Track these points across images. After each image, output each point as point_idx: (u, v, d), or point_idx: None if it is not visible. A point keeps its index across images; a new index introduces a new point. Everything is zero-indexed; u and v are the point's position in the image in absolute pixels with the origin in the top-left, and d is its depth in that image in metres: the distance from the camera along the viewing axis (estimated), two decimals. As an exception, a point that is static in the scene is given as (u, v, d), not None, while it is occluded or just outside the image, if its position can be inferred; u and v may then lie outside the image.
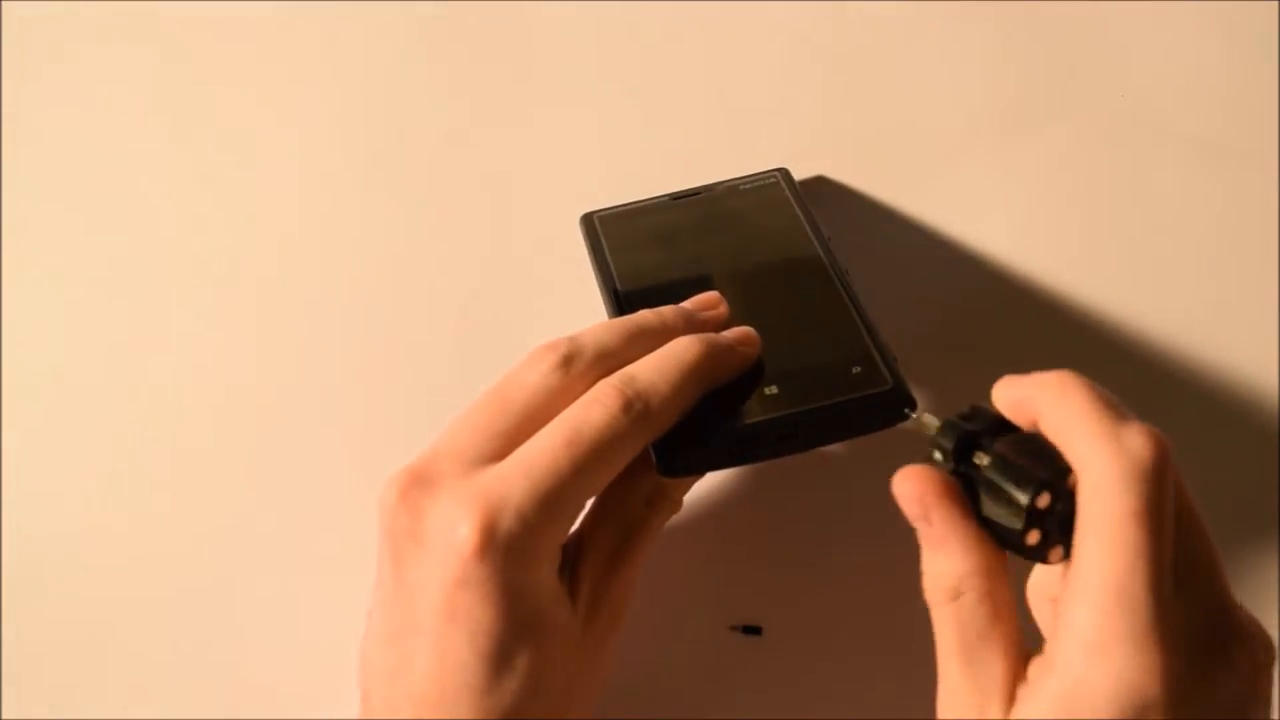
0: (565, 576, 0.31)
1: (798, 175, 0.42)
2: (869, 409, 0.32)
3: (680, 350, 0.32)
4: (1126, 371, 0.41)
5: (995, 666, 0.27)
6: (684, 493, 0.35)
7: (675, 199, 0.41)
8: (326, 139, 0.46)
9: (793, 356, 0.34)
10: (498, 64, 0.47)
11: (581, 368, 0.31)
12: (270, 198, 0.45)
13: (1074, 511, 0.27)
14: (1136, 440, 0.26)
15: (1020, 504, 0.27)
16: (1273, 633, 0.36)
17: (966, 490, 0.28)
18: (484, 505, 0.28)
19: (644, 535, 0.33)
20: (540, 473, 0.29)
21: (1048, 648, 0.26)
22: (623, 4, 0.48)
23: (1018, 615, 0.28)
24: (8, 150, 0.46)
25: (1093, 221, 0.44)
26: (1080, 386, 0.28)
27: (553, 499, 0.29)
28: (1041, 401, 0.28)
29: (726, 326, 0.34)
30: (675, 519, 0.38)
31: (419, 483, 0.30)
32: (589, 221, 0.41)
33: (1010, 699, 0.26)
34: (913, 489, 0.28)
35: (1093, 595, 0.25)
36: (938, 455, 0.28)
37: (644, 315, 0.34)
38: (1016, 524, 0.27)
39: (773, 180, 0.41)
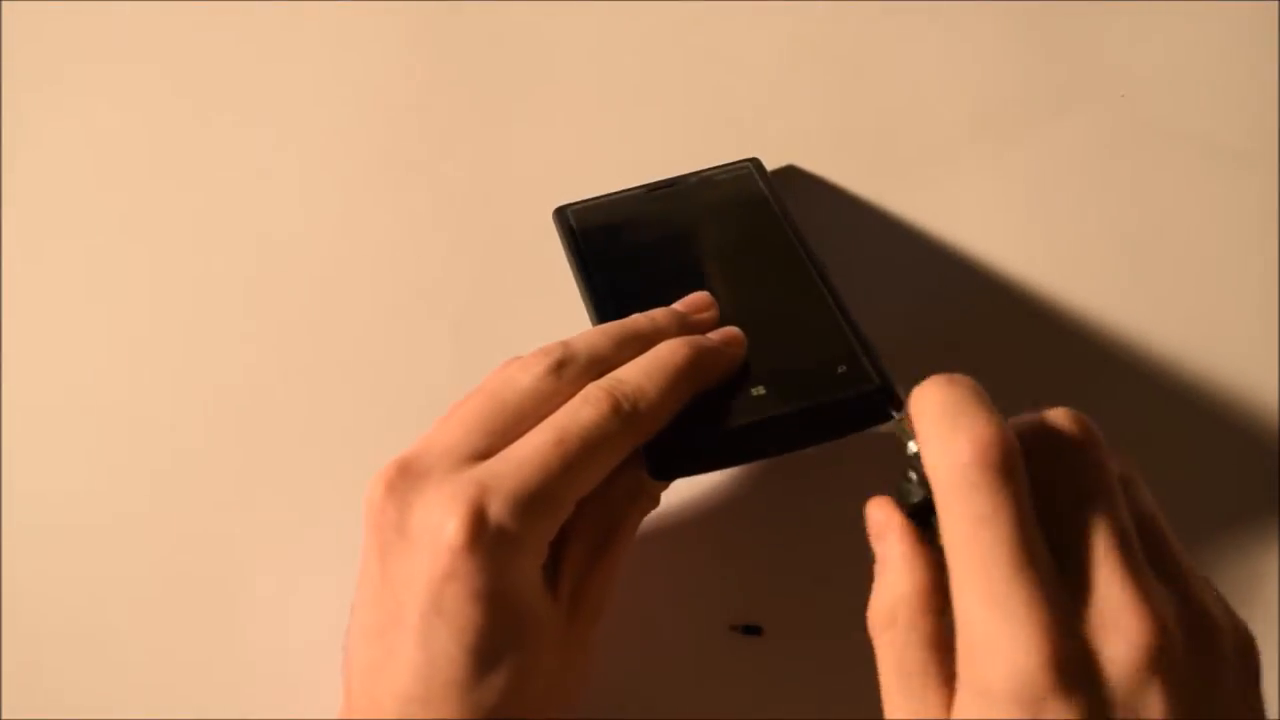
0: (548, 572, 0.31)
1: (775, 166, 0.42)
2: (856, 408, 0.32)
3: (668, 353, 0.32)
4: (1123, 372, 0.41)
5: (930, 694, 0.27)
6: (662, 489, 0.35)
7: (649, 190, 0.41)
8: (322, 140, 0.46)
9: (778, 356, 0.34)
10: (495, 64, 0.47)
11: (574, 372, 0.32)
12: (267, 197, 0.45)
13: None
14: (956, 448, 0.26)
15: None
16: (1273, 633, 0.37)
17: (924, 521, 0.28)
18: (471, 500, 0.29)
19: (624, 531, 0.33)
20: (529, 470, 0.29)
21: None
22: (618, 4, 0.48)
23: (954, 644, 0.27)
24: (7, 150, 0.46)
25: (1091, 221, 0.44)
26: (926, 393, 0.28)
27: (541, 496, 0.29)
28: (913, 402, 0.28)
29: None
30: (676, 519, 0.38)
31: (406, 476, 0.30)
32: (562, 215, 0.40)
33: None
34: (876, 514, 0.29)
35: (962, 602, 0.25)
36: (912, 475, 0.28)
37: (636, 320, 0.34)
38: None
39: (745, 171, 0.41)
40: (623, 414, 0.31)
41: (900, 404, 0.32)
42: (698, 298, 0.36)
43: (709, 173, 0.42)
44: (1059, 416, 0.27)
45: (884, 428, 0.32)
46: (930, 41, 0.47)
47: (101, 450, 0.41)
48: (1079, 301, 0.42)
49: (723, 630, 0.38)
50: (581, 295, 0.37)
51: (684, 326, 0.34)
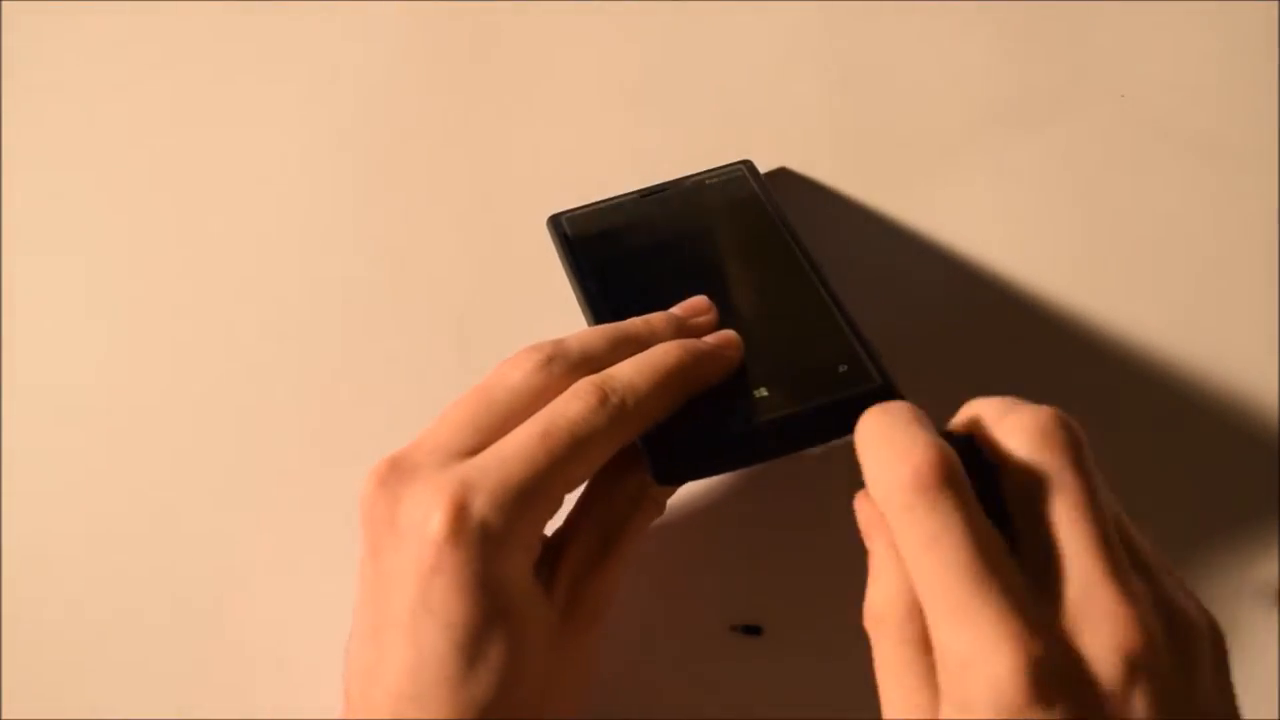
0: (544, 572, 0.31)
1: (767, 168, 0.42)
2: (859, 407, 0.32)
3: (661, 353, 0.32)
4: (1123, 372, 0.41)
5: (921, 693, 0.26)
6: (668, 495, 0.35)
7: (643, 196, 0.41)
8: (322, 142, 0.46)
9: (779, 357, 0.34)
10: (494, 64, 0.47)
11: (564, 368, 0.32)
12: (267, 198, 0.45)
13: None
14: (893, 473, 0.26)
15: None
16: (1274, 634, 0.37)
17: None
18: (456, 494, 0.29)
19: (626, 536, 0.33)
20: (514, 463, 0.29)
21: None
22: (616, 5, 0.48)
23: None
24: (7, 150, 0.46)
25: (1090, 221, 0.44)
26: (863, 424, 0.28)
27: (526, 490, 0.29)
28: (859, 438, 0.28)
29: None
30: (675, 519, 0.38)
31: (396, 473, 0.30)
32: (557, 223, 0.40)
33: None
34: (865, 513, 0.29)
35: (931, 620, 0.25)
36: None
37: (632, 322, 0.34)
38: None
39: (738, 173, 0.41)
40: (610, 408, 0.31)
41: (903, 400, 0.32)
42: (695, 302, 0.36)
43: (701, 176, 0.42)
44: (1037, 416, 0.27)
45: None
46: (928, 41, 0.48)
47: (102, 450, 0.41)
48: (1078, 302, 0.42)
49: (723, 630, 0.38)
50: (579, 303, 0.38)
51: (680, 330, 0.34)
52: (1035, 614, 0.25)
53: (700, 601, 0.38)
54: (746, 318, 0.35)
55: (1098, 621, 0.24)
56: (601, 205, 0.41)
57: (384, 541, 0.30)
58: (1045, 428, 0.27)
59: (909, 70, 0.47)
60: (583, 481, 0.31)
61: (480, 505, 0.29)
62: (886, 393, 0.32)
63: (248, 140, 0.46)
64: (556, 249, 0.40)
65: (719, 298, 0.36)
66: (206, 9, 0.48)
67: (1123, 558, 0.26)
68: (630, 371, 0.32)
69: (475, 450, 0.30)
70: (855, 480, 0.30)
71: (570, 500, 0.33)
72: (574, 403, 0.31)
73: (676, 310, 0.36)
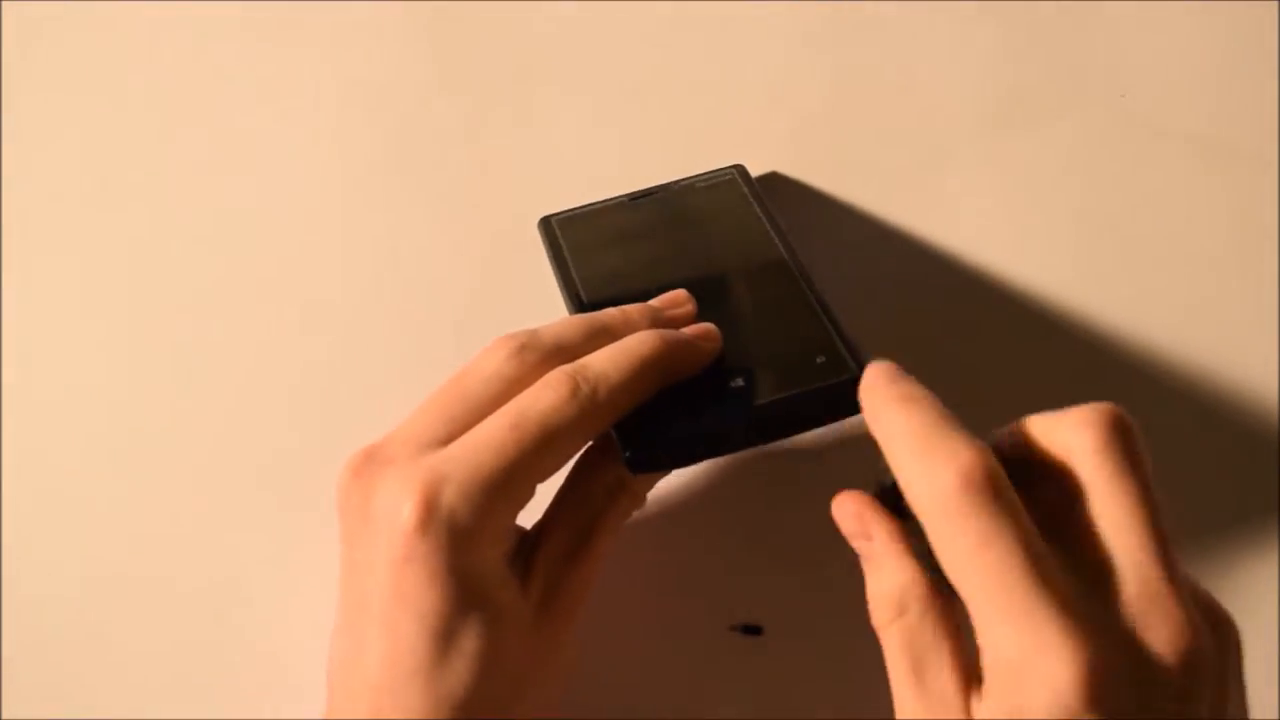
0: (519, 563, 0.31)
1: (759, 172, 0.42)
2: (835, 398, 0.32)
3: (635, 343, 0.32)
4: (1122, 373, 0.41)
5: (946, 681, 0.26)
6: (648, 487, 0.35)
7: (633, 199, 0.41)
8: (321, 143, 0.46)
9: (757, 349, 0.34)
10: (494, 66, 0.47)
11: (537, 357, 0.32)
12: (264, 199, 0.45)
13: None
14: (940, 478, 0.26)
15: None
16: (1274, 634, 0.37)
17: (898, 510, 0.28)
18: (426, 484, 0.29)
19: (604, 528, 0.33)
20: (484, 454, 0.29)
21: None
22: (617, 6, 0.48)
23: (963, 633, 0.27)
24: (7, 149, 0.46)
25: (1090, 221, 0.44)
26: (887, 416, 0.28)
27: (496, 479, 0.29)
28: (872, 422, 0.28)
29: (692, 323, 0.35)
30: (675, 518, 0.38)
31: (370, 463, 0.30)
32: (547, 225, 0.40)
33: (965, 711, 0.26)
34: (851, 506, 0.29)
35: (982, 623, 0.25)
36: (886, 473, 0.28)
37: (608, 312, 0.34)
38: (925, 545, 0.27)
39: (729, 177, 0.41)
40: (581, 397, 0.30)
41: None
42: (674, 294, 0.36)
43: (692, 180, 0.42)
44: (1099, 412, 0.27)
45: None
46: (925, 43, 0.47)
47: (101, 450, 0.41)
48: (1076, 303, 0.42)
49: (723, 630, 0.38)
50: (565, 305, 0.37)
51: (657, 321, 0.34)
52: (1090, 615, 0.24)
53: (700, 601, 0.38)
54: (727, 312, 0.35)
55: (1158, 623, 0.24)
56: (592, 208, 0.41)
57: (358, 532, 0.30)
58: (1109, 423, 0.27)
59: (904, 72, 0.47)
60: (554, 471, 0.31)
61: (449, 495, 0.29)
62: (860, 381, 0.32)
63: (245, 140, 0.46)
64: (546, 251, 0.40)
65: (701, 291, 0.36)
66: (206, 9, 0.48)
67: (1177, 559, 0.26)
68: (604, 361, 0.31)
69: (448, 440, 0.30)
70: (856, 481, 0.30)
71: (549, 492, 0.33)
72: (545, 392, 0.30)
73: (655, 302, 0.35)
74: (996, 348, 0.42)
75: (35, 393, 0.42)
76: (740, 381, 0.33)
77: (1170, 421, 0.41)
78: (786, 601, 0.38)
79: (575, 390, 0.30)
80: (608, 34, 0.48)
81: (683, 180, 0.42)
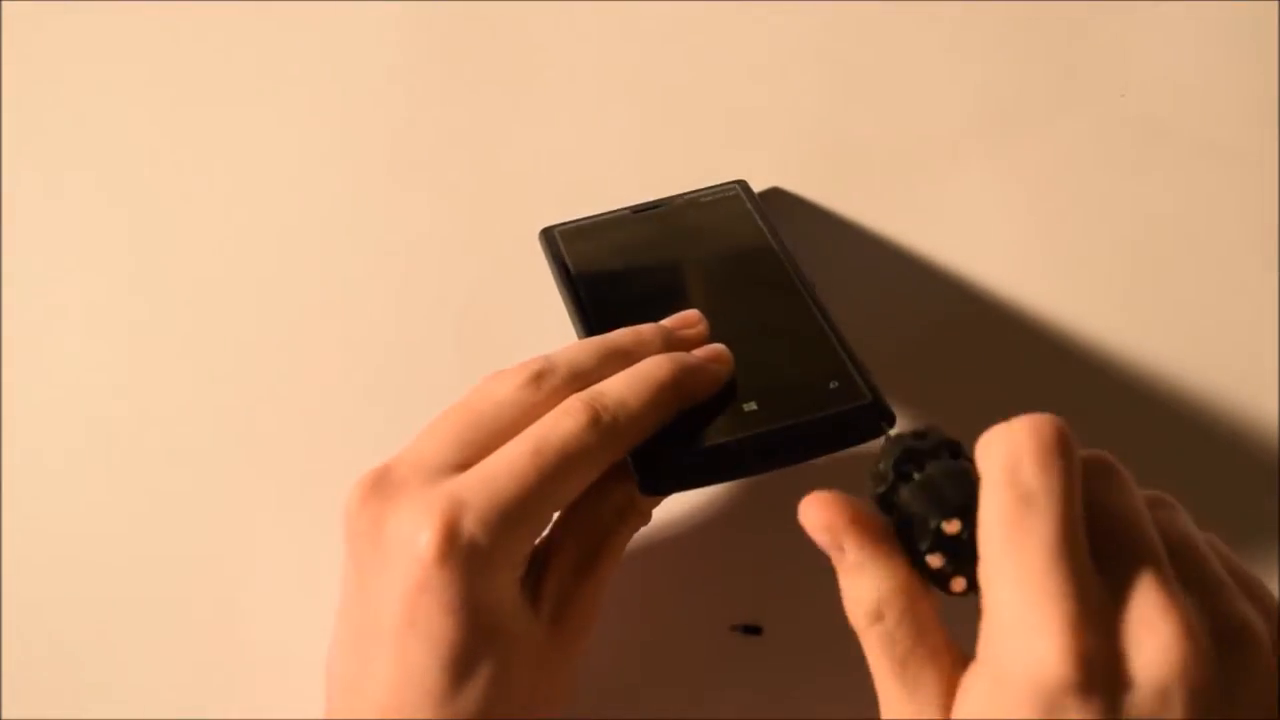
0: (529, 585, 0.31)
1: (768, 185, 0.42)
2: (848, 424, 0.32)
3: (651, 368, 0.32)
4: (1122, 374, 0.41)
5: (929, 681, 0.26)
6: (653, 505, 0.35)
7: (635, 211, 0.41)
8: (322, 144, 0.46)
9: (769, 372, 0.34)
10: (495, 67, 0.47)
11: (554, 384, 0.31)
12: (264, 201, 0.45)
13: None
14: (1012, 430, 0.26)
15: (928, 526, 0.26)
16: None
17: (889, 509, 0.28)
18: (445, 512, 0.28)
19: (611, 547, 0.33)
20: (504, 482, 0.29)
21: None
22: (628, 4, 0.48)
23: (944, 626, 0.27)
24: (7, 148, 0.46)
25: (1090, 223, 0.44)
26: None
27: (516, 508, 0.29)
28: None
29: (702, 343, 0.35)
30: (675, 520, 0.38)
31: (381, 488, 0.30)
32: (549, 236, 0.40)
33: (948, 709, 0.26)
34: (819, 517, 0.28)
35: (994, 585, 0.25)
36: (882, 467, 0.28)
37: (621, 334, 0.34)
38: (922, 544, 0.27)
39: (733, 192, 0.41)
40: (602, 426, 0.30)
41: (892, 419, 0.32)
42: (686, 314, 0.36)
43: (695, 194, 0.41)
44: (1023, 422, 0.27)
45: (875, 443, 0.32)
46: (924, 45, 0.47)
47: (101, 451, 0.41)
48: (1076, 306, 0.42)
49: (723, 630, 0.38)
50: (570, 318, 0.37)
51: (670, 342, 0.34)
52: (1098, 605, 0.24)
53: (700, 601, 0.38)
54: (737, 333, 0.35)
55: (1147, 625, 0.24)
56: (594, 220, 0.41)
57: (368, 557, 0.30)
58: (1033, 448, 0.26)
59: (902, 76, 0.47)
60: (572, 498, 0.31)
61: (469, 525, 0.28)
62: (875, 409, 0.32)
63: (246, 141, 0.46)
64: (548, 262, 0.39)
65: (710, 312, 0.36)
66: (206, 9, 0.48)
67: (1171, 575, 0.25)
68: (621, 388, 0.31)
69: (461, 466, 0.30)
70: (856, 481, 0.30)
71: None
72: (565, 420, 0.30)
73: (667, 322, 0.35)
74: (996, 356, 0.42)
75: (35, 393, 0.42)
76: (753, 405, 0.33)
77: (1170, 423, 0.41)
78: (786, 601, 0.38)
79: (596, 419, 0.30)
80: (607, 34, 0.48)
81: (686, 194, 0.42)
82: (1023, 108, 0.46)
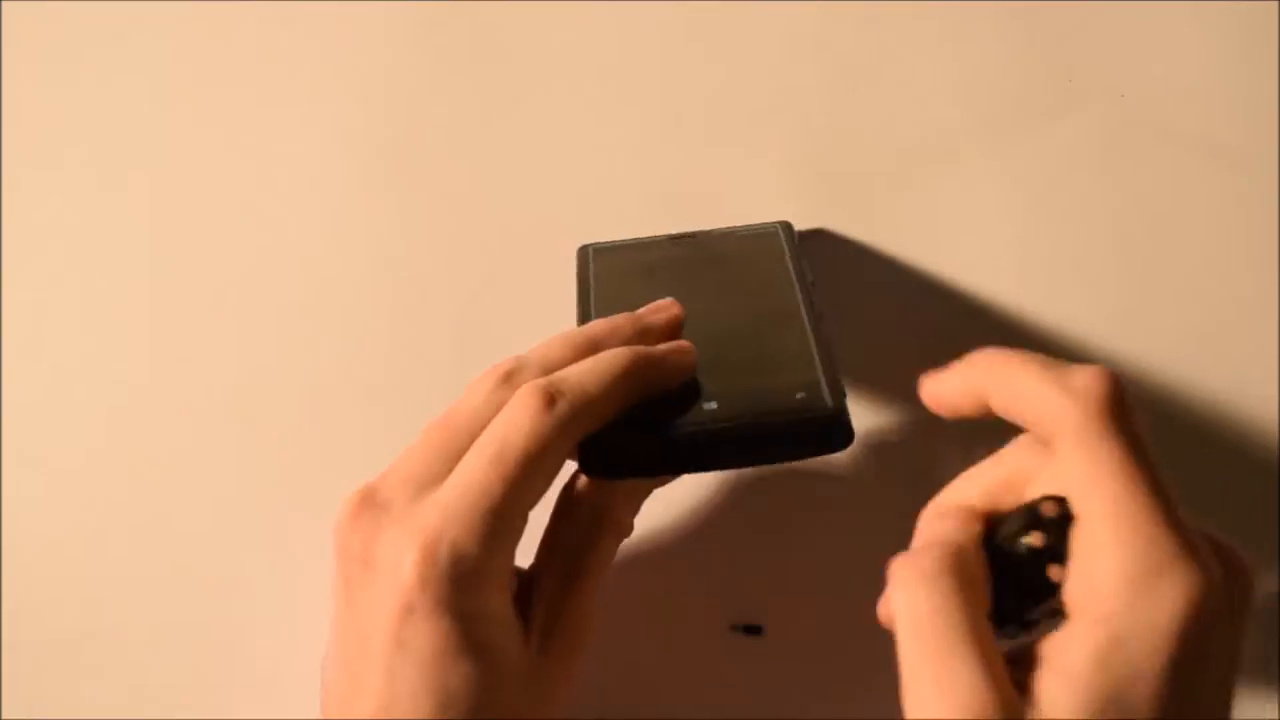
0: (520, 605, 0.31)
1: (795, 220, 0.42)
2: (804, 432, 0.32)
3: (610, 356, 0.32)
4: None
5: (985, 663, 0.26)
6: (632, 514, 0.34)
7: (674, 239, 0.41)
8: (323, 146, 0.46)
9: (739, 377, 0.34)
10: (496, 69, 0.47)
11: (524, 380, 0.32)
12: (265, 203, 0.45)
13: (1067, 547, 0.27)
14: (1083, 380, 0.28)
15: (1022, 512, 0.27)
16: (1274, 634, 0.37)
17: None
18: (425, 536, 0.29)
19: (592, 560, 0.33)
20: (473, 496, 0.29)
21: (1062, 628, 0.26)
22: (628, 5, 0.48)
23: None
24: (10, 148, 0.46)
25: (1090, 224, 0.44)
26: (1012, 356, 0.29)
27: (488, 520, 0.29)
28: (985, 384, 0.30)
29: (677, 337, 0.35)
30: (675, 520, 0.38)
31: (368, 507, 0.30)
32: (584, 253, 0.41)
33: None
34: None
35: (1109, 537, 0.26)
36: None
37: (595, 324, 0.34)
38: (1015, 524, 0.27)
39: (772, 230, 0.41)
40: (557, 410, 0.30)
41: (850, 436, 0.32)
42: (661, 301, 0.36)
43: (735, 228, 0.42)
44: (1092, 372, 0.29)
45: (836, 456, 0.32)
46: (925, 45, 0.47)
47: (101, 451, 0.41)
48: (1076, 308, 0.42)
49: (723, 630, 0.38)
50: (577, 321, 0.37)
51: (639, 326, 0.34)
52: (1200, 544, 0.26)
53: (700, 601, 0.38)
54: (718, 336, 0.35)
55: (1223, 551, 0.26)
56: (630, 243, 0.41)
57: (358, 577, 0.30)
58: (1110, 397, 0.28)
59: (900, 79, 0.47)
60: (544, 491, 0.31)
61: (445, 549, 0.29)
62: (833, 422, 0.32)
63: (246, 142, 0.46)
64: (576, 275, 0.40)
65: (698, 315, 0.36)
66: (205, 9, 0.48)
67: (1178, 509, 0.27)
68: (580, 374, 0.31)
69: (442, 478, 0.30)
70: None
71: (537, 534, 0.33)
72: (519, 413, 0.30)
73: (641, 310, 0.36)
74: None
75: (31, 398, 0.42)
76: (714, 405, 0.33)
77: (1169, 423, 0.41)
78: (786, 601, 0.38)
79: (551, 403, 0.30)
80: (607, 34, 0.48)
81: (727, 228, 0.42)
82: (1022, 108, 0.46)
